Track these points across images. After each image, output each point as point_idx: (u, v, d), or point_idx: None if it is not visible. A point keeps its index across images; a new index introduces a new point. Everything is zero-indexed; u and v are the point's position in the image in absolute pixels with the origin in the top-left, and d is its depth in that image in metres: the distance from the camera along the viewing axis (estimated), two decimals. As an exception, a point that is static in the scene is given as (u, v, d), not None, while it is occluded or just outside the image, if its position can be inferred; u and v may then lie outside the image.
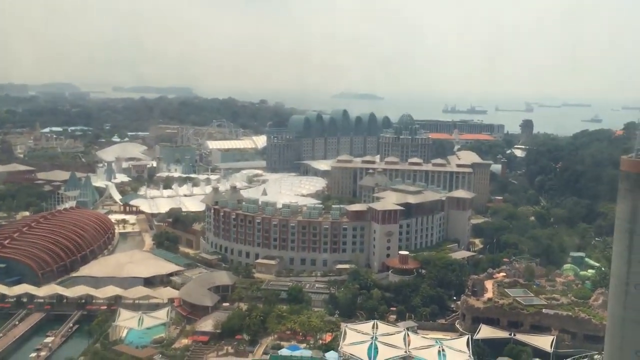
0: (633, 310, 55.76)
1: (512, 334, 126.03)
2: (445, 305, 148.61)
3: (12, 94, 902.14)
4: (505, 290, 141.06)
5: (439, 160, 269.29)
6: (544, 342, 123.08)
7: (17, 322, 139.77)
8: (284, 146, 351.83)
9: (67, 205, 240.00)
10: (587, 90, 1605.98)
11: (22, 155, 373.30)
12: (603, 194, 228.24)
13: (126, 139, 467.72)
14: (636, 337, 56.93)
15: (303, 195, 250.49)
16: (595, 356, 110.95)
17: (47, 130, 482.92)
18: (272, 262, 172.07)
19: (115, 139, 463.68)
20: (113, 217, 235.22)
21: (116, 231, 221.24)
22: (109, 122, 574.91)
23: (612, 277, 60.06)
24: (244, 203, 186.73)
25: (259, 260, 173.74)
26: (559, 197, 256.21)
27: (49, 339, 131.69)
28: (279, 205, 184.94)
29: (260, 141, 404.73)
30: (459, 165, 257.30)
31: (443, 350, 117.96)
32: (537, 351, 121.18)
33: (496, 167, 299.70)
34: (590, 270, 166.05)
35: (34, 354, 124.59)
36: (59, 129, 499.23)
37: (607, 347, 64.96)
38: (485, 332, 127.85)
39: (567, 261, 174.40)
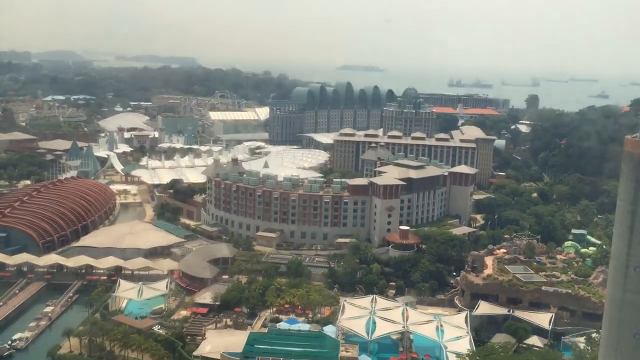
0: (632, 292, 55.02)
1: (511, 311, 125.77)
2: (444, 280, 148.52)
3: (15, 61, 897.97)
4: (505, 266, 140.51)
5: (442, 135, 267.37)
6: (543, 319, 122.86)
7: (17, 291, 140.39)
8: (286, 118, 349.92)
9: (68, 174, 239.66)
10: (595, 66, 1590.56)
11: (24, 124, 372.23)
12: (607, 171, 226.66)
13: (129, 108, 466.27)
14: (634, 319, 56.20)
15: (305, 169, 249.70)
16: (594, 334, 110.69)
17: (49, 98, 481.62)
18: (273, 235, 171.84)
19: (118, 108, 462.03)
20: (114, 188, 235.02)
21: (117, 201, 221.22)
22: (112, 91, 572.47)
23: (611, 259, 59.14)
24: (245, 175, 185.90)
25: (260, 233, 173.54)
26: (562, 173, 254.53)
27: (48, 309, 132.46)
28: (280, 178, 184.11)
29: (263, 113, 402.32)
30: (462, 141, 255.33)
31: (441, 325, 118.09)
32: (536, 328, 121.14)
33: (500, 143, 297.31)
34: (591, 248, 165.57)
35: (33, 323, 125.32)
36: (62, 97, 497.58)
37: (604, 330, 64.38)
38: (484, 308, 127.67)
39: (569, 238, 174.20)
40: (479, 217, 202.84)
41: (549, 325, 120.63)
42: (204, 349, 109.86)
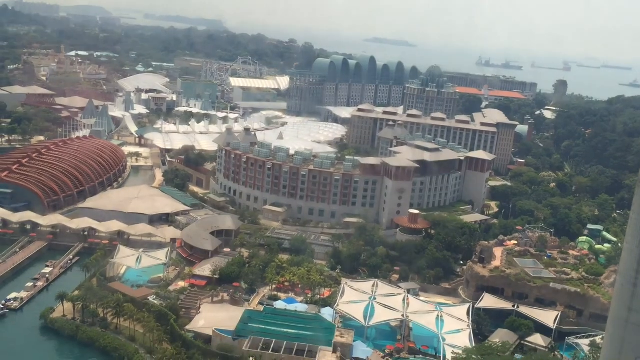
0: (638, 313, 50.59)
1: (516, 306, 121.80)
2: (451, 269, 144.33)
3: (44, 14, 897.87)
4: (514, 259, 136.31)
5: (463, 117, 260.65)
6: (548, 317, 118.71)
7: (17, 250, 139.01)
8: (306, 89, 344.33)
9: (81, 133, 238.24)
10: (629, 53, 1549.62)
11: (44, 78, 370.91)
12: (631, 166, 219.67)
13: (150, 69, 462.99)
14: (639, 342, 52.01)
15: (320, 142, 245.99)
16: (598, 339, 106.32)
17: (72, 53, 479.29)
18: (280, 209, 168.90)
19: (140, 68, 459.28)
20: (127, 149, 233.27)
21: (129, 164, 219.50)
22: (136, 50, 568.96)
23: (618, 275, 54.70)
24: (256, 147, 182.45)
25: (267, 207, 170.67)
26: (584, 164, 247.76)
27: (47, 269, 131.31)
28: (292, 152, 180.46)
29: (284, 82, 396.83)
30: (483, 124, 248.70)
31: (442, 316, 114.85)
32: (540, 326, 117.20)
33: (522, 128, 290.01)
34: (606, 245, 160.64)
35: (30, 284, 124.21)
36: (85, 53, 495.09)
37: (605, 349, 60.23)
38: (488, 301, 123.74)
39: (584, 233, 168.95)
40: (493, 204, 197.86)
41: (554, 324, 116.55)
42: (197, 323, 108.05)
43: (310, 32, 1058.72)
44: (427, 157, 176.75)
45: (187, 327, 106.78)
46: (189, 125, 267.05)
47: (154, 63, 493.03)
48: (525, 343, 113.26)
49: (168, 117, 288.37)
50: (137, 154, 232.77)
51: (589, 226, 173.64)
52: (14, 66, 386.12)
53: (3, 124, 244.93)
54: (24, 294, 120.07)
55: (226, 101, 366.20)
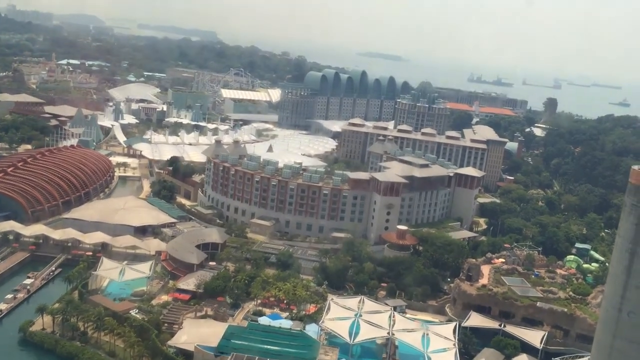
0: (622, 340, 49.60)
1: (503, 325, 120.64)
2: (438, 286, 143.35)
3: (36, 21, 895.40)
4: (502, 277, 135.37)
5: (453, 133, 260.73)
6: (534, 337, 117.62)
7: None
8: (297, 102, 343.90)
9: (69, 142, 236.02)
10: (618, 73, 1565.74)
11: (34, 86, 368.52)
12: (619, 185, 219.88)
13: (142, 79, 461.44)
14: (623, 368, 51.00)
15: (310, 156, 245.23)
16: (585, 358, 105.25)
17: (64, 62, 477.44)
18: (267, 223, 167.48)
19: (131, 77, 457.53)
20: (115, 160, 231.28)
21: (116, 174, 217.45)
22: (128, 60, 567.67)
23: (604, 301, 53.82)
24: (245, 159, 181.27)
25: (254, 220, 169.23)
26: (572, 182, 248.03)
27: (28, 281, 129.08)
28: (281, 165, 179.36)
29: (276, 94, 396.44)
30: (473, 141, 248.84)
31: (428, 335, 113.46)
32: (526, 345, 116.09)
33: (512, 145, 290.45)
34: (593, 264, 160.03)
35: (10, 295, 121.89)
36: (77, 61, 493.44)
37: (589, 377, 59.21)
38: (475, 320, 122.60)
39: (572, 252, 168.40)
40: (482, 221, 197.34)
41: (540, 344, 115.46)
42: (180, 338, 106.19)
43: (303, 45, 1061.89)
44: (416, 172, 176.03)
45: (169, 343, 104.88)
46: (178, 136, 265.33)
47: (145, 73, 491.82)
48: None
49: (158, 128, 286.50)
50: (125, 164, 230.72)
51: (577, 245, 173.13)
52: (4, 74, 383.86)
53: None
54: (3, 306, 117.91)
55: (217, 112, 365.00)
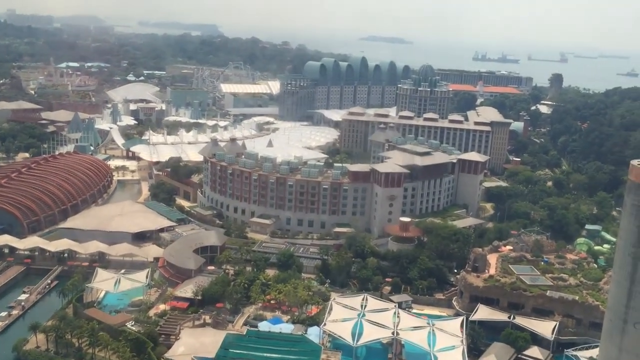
0: (629, 353, 45.17)
1: (512, 317, 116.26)
2: (444, 278, 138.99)
3: (36, 25, 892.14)
4: (510, 266, 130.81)
5: (456, 117, 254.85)
6: (546, 327, 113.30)
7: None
8: (297, 93, 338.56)
9: (67, 148, 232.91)
10: (626, 42, 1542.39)
11: (32, 92, 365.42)
12: (629, 161, 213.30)
13: (141, 77, 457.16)
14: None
15: (311, 148, 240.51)
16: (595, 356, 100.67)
17: (63, 65, 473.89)
18: (268, 221, 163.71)
19: (131, 77, 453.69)
20: (114, 163, 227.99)
21: (115, 178, 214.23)
22: (128, 59, 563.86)
23: (607, 311, 49.36)
24: (242, 157, 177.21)
25: (254, 219, 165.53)
26: (581, 160, 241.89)
27: (23, 296, 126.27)
28: (280, 160, 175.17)
29: (276, 86, 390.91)
30: (476, 123, 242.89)
31: (434, 332, 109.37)
32: (537, 337, 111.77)
33: (518, 125, 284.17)
34: (605, 246, 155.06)
35: (4, 313, 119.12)
36: (76, 64, 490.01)
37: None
38: (483, 313, 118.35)
39: (582, 234, 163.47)
40: (488, 206, 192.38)
41: (552, 334, 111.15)
42: (177, 350, 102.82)
43: (305, 33, 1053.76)
44: (418, 161, 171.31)
45: (166, 355, 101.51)
46: (177, 135, 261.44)
47: (145, 72, 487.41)
48: (523, 357, 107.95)
49: (157, 128, 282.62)
50: (124, 168, 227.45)
51: (587, 226, 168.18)
52: (1, 81, 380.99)
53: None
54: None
55: (218, 108, 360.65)
